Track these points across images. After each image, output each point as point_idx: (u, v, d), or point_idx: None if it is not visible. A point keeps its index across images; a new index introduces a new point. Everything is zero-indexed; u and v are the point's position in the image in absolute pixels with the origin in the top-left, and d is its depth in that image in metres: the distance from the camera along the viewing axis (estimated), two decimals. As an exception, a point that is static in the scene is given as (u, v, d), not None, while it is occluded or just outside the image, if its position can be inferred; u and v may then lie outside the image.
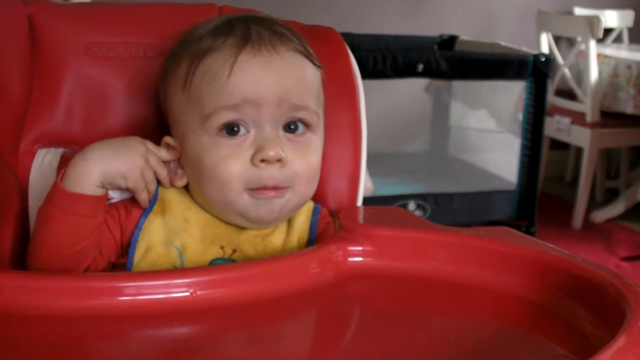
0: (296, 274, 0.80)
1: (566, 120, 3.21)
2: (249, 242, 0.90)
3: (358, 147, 1.04)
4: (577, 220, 3.20)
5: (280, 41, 0.87)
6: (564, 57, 3.25)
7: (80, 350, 0.69)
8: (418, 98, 2.98)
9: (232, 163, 0.85)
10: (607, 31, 3.68)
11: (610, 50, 3.27)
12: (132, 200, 0.90)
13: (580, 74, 3.18)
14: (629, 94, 3.01)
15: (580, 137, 3.15)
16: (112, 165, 0.84)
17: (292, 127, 0.88)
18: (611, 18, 3.73)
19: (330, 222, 0.95)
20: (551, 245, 0.82)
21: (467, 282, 0.82)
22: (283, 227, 0.92)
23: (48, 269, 0.83)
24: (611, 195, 3.55)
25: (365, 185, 1.06)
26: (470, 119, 3.02)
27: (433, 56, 2.54)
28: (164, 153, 0.90)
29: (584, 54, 3.06)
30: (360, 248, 0.85)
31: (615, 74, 3.07)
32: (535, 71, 2.60)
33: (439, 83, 2.91)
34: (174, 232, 0.89)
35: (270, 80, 0.85)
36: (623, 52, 3.23)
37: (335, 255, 0.83)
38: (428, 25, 3.50)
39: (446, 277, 0.83)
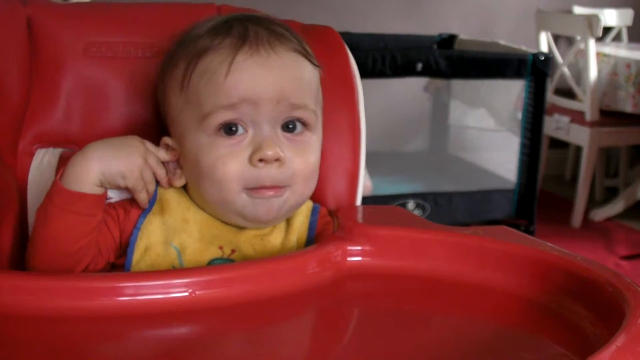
0: (295, 274, 0.80)
1: (565, 119, 3.21)
2: (248, 242, 0.90)
3: (357, 146, 1.04)
4: (577, 219, 3.20)
5: (278, 41, 0.87)
6: (563, 56, 3.25)
7: (79, 350, 0.69)
8: (417, 97, 2.98)
9: (230, 163, 0.85)
10: (606, 30, 3.68)
11: (610, 49, 3.27)
12: (131, 200, 0.90)
13: (579, 73, 3.18)
14: (628, 92, 3.01)
15: (580, 135, 3.15)
16: (112, 165, 0.84)
17: (290, 126, 0.88)
18: (610, 17, 3.73)
19: (329, 222, 0.95)
20: (550, 244, 0.82)
21: (467, 281, 0.82)
22: (282, 226, 0.92)
23: (47, 268, 0.84)
24: (610, 194, 3.55)
25: (364, 185, 1.06)
26: (469, 118, 3.02)
27: (432, 55, 2.54)
28: (162, 154, 0.90)
29: (583, 53, 3.06)
30: (359, 248, 0.85)
31: (614, 72, 3.07)
32: (534, 70, 2.60)
33: (438, 82, 2.91)
34: (173, 232, 0.89)
35: (268, 79, 0.85)
36: (622, 51, 3.23)
37: (334, 255, 0.83)
38: (427, 24, 3.51)
39: (445, 276, 0.83)
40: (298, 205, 0.92)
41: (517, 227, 2.41)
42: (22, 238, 0.90)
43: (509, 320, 0.76)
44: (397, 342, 0.71)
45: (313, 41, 0.97)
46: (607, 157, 3.69)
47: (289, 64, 0.88)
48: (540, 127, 2.67)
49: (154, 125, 0.99)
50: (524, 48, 2.77)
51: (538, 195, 2.74)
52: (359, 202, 1.04)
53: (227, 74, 0.85)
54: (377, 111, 2.36)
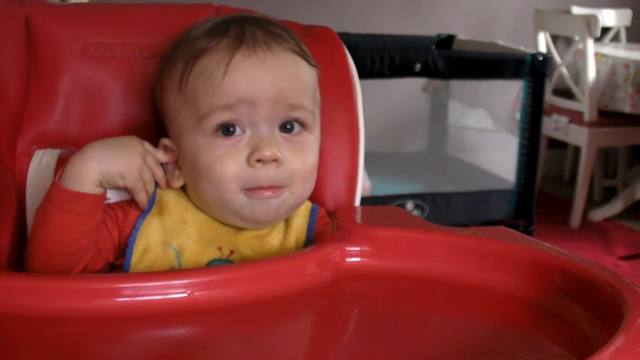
0: (294, 275, 0.80)
1: (564, 119, 3.21)
2: (247, 242, 0.90)
3: (356, 146, 1.04)
4: (575, 219, 3.20)
5: (275, 41, 0.87)
6: (561, 56, 3.25)
7: (78, 351, 0.69)
8: (416, 98, 2.98)
9: (228, 163, 0.85)
10: (605, 30, 3.68)
11: (608, 49, 3.28)
12: (130, 201, 0.90)
13: (577, 73, 3.18)
14: (627, 92, 3.01)
15: (578, 136, 3.15)
16: (111, 165, 0.84)
17: (288, 126, 0.88)
18: (609, 17, 3.73)
19: (328, 223, 0.95)
20: (549, 244, 0.82)
21: (465, 282, 0.82)
22: (281, 227, 0.92)
23: (46, 268, 0.84)
24: (609, 194, 3.55)
25: (363, 185, 1.06)
26: (468, 119, 3.02)
27: (430, 56, 2.54)
28: (161, 155, 0.90)
29: (582, 53, 3.06)
30: (358, 248, 0.85)
31: (612, 72, 3.07)
32: (532, 70, 2.60)
33: (437, 83, 2.91)
34: (172, 233, 0.89)
35: (265, 80, 0.85)
36: (620, 51, 3.23)
37: (333, 256, 0.83)
38: (425, 24, 3.51)
39: (444, 277, 0.83)
40: (297, 205, 0.92)
41: (515, 227, 2.41)
42: (21, 239, 0.90)
43: (508, 321, 0.76)
44: (396, 342, 0.71)
45: (311, 42, 0.97)
46: (606, 158, 3.69)
47: (286, 65, 0.88)
48: (539, 128, 2.67)
49: (152, 126, 0.99)
50: (522, 48, 2.78)
51: (537, 196, 2.74)
52: (357, 202, 1.04)
53: (224, 74, 0.85)
54: (376, 112, 2.36)
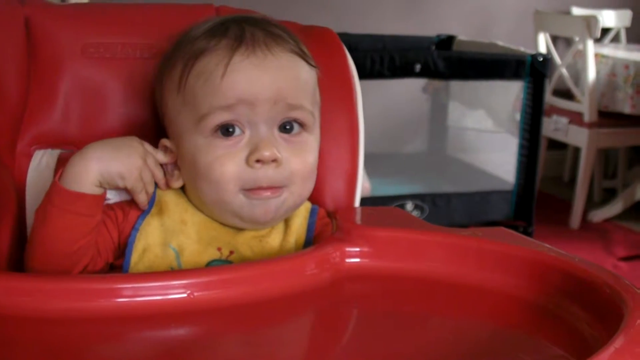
0: (293, 275, 0.80)
1: (564, 120, 3.21)
2: (246, 243, 0.90)
3: (355, 147, 1.04)
4: (575, 220, 3.20)
5: (274, 42, 0.88)
6: (561, 57, 3.25)
7: (77, 351, 0.69)
8: (415, 98, 2.98)
9: (227, 163, 0.85)
10: (605, 31, 3.68)
11: (608, 50, 3.28)
12: (129, 202, 0.90)
13: (577, 74, 3.18)
14: (627, 93, 3.01)
15: (578, 136, 3.15)
16: (111, 165, 0.84)
17: (287, 127, 0.88)
18: (609, 18, 3.73)
19: (328, 223, 0.95)
20: (549, 245, 0.82)
21: (465, 282, 0.82)
22: (280, 228, 0.92)
23: (45, 269, 0.84)
24: (609, 195, 3.55)
25: (362, 186, 1.06)
26: (467, 119, 3.02)
27: (430, 56, 2.54)
28: (161, 156, 0.90)
29: (582, 54, 3.06)
30: (357, 249, 0.85)
31: (612, 73, 3.07)
32: (532, 71, 2.60)
33: (437, 83, 2.91)
34: (171, 233, 0.89)
35: (264, 80, 0.85)
36: (620, 52, 3.23)
37: (332, 257, 0.83)
38: (425, 25, 3.51)
39: (444, 278, 0.83)
40: (296, 206, 0.92)
41: (515, 228, 2.41)
42: (21, 239, 0.90)
43: (507, 322, 0.76)
44: (395, 343, 0.71)
45: (311, 42, 0.97)
46: (606, 158, 3.69)
47: (285, 65, 0.88)
48: (539, 128, 2.67)
49: (152, 126, 0.99)
50: (522, 49, 2.78)
51: (536, 197, 2.74)
52: (357, 203, 1.05)
53: (223, 75, 0.85)
54: (376, 112, 2.36)
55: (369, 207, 1.01)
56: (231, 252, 0.89)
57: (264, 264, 0.81)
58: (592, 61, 3.03)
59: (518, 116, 2.69)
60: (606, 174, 3.77)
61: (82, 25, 1.03)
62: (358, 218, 0.95)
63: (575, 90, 3.15)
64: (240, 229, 0.90)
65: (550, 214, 3.29)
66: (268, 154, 0.85)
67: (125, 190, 0.88)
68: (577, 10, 3.69)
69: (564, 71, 3.17)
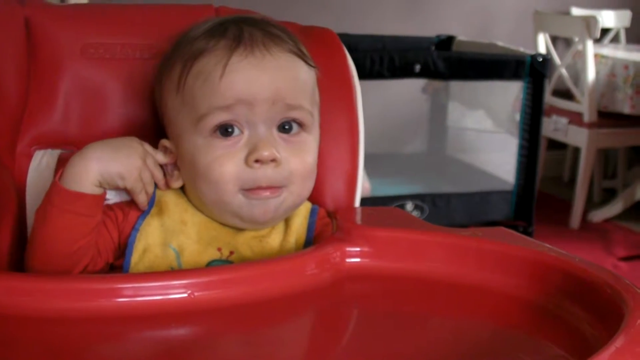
0: (294, 275, 0.80)
1: (563, 121, 3.21)
2: (246, 243, 0.90)
3: (355, 147, 1.04)
4: (575, 220, 3.20)
5: (273, 42, 0.88)
6: (561, 57, 3.25)
7: (78, 351, 0.69)
8: (415, 99, 2.98)
9: (226, 164, 0.85)
10: (604, 31, 3.68)
11: (608, 50, 3.28)
12: (129, 202, 0.90)
13: (577, 74, 3.18)
14: (626, 94, 3.01)
15: (578, 137, 3.15)
16: (110, 165, 0.84)
17: (286, 127, 0.88)
18: (608, 18, 3.73)
19: (328, 223, 0.95)
20: (549, 245, 0.82)
21: (465, 282, 0.82)
22: (280, 228, 0.92)
23: (46, 269, 0.84)
24: (609, 195, 3.56)
25: (362, 186, 1.06)
26: (467, 120, 3.02)
27: (430, 57, 2.54)
28: (160, 156, 0.90)
29: (581, 54, 3.06)
30: (358, 249, 0.85)
31: (612, 74, 3.07)
32: (532, 71, 2.60)
33: (437, 83, 2.91)
34: (171, 233, 0.89)
35: (263, 80, 0.85)
36: (620, 52, 3.23)
37: (332, 257, 0.83)
38: (425, 25, 3.51)
39: (444, 278, 0.83)
40: (295, 205, 0.92)
41: (515, 228, 2.41)
42: (21, 239, 0.90)
43: (508, 322, 0.76)
44: (395, 343, 0.71)
45: (311, 42, 0.97)
46: (605, 159, 3.69)
47: (284, 65, 0.88)
48: (539, 129, 2.67)
49: (152, 127, 0.99)
50: (522, 49, 2.78)
51: (536, 197, 2.74)
52: (357, 203, 1.04)
53: (222, 75, 0.85)
54: (375, 112, 2.36)
55: (369, 207, 1.01)
56: (231, 252, 0.89)
57: (264, 264, 0.81)
58: (592, 61, 3.04)
59: (518, 116, 2.69)
60: (606, 174, 3.77)
61: (82, 25, 1.03)
62: (358, 218, 0.95)
63: (574, 91, 3.15)
64: (240, 229, 0.90)
65: (550, 214, 3.29)
66: (267, 154, 0.85)
67: (125, 190, 0.88)
68: (576, 11, 3.69)
69: (564, 71, 3.17)
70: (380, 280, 0.84)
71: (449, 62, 2.56)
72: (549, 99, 3.17)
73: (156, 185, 0.91)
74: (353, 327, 0.79)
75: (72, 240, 0.83)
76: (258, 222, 0.89)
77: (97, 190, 0.84)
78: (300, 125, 0.89)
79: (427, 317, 0.79)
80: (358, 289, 0.83)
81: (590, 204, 3.38)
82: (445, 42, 3.13)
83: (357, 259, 0.85)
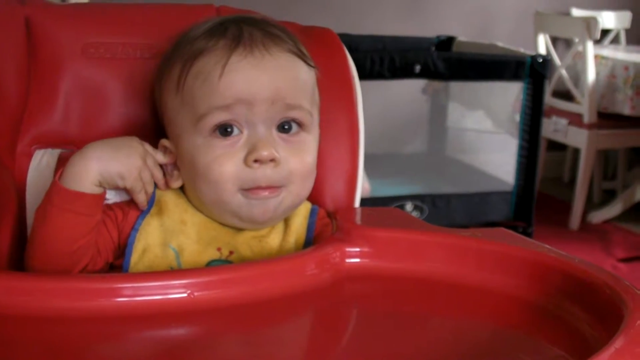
0: (293, 276, 0.80)
1: (563, 121, 3.21)
2: (246, 243, 0.90)
3: (355, 148, 1.04)
4: (575, 221, 3.21)
5: (272, 42, 0.88)
6: (561, 58, 3.25)
7: (78, 351, 0.69)
8: (415, 99, 2.98)
9: (225, 163, 0.85)
10: (605, 32, 3.68)
11: (608, 51, 3.28)
12: (129, 202, 0.90)
13: (577, 75, 3.18)
14: (626, 95, 3.01)
15: (578, 138, 3.15)
16: (110, 165, 0.84)
17: (285, 127, 0.88)
18: (608, 19, 3.73)
19: (328, 224, 0.95)
20: (548, 246, 0.82)
21: (465, 283, 0.82)
22: (280, 228, 0.92)
23: (46, 268, 0.84)
24: (608, 196, 3.55)
25: (362, 186, 1.06)
26: (467, 120, 3.02)
27: (430, 57, 2.54)
28: (160, 156, 0.90)
29: (581, 55, 3.06)
30: (357, 249, 0.85)
31: (612, 75, 3.07)
32: (532, 72, 2.60)
33: (437, 84, 2.91)
34: (171, 233, 0.89)
35: (262, 80, 0.85)
36: (620, 53, 3.23)
37: (332, 257, 0.83)
38: (425, 26, 3.51)
39: (444, 278, 0.83)
40: (295, 205, 0.92)
41: (515, 229, 2.40)
42: (21, 238, 0.90)
43: (507, 322, 0.76)
44: (395, 343, 0.71)
45: (312, 42, 0.97)
46: (605, 160, 3.69)
47: (283, 65, 0.88)
48: (538, 129, 2.67)
49: (152, 127, 0.99)
50: (522, 50, 2.78)
51: (536, 198, 2.74)
52: (357, 203, 1.05)
53: (221, 75, 0.85)
54: (375, 113, 2.35)
55: (369, 207, 1.01)
56: (231, 252, 0.89)
57: (263, 264, 0.81)
58: (592, 62, 3.04)
59: (518, 117, 2.69)
60: (606, 175, 3.77)
61: (83, 25, 1.03)
62: (358, 218, 0.95)
63: (574, 92, 3.15)
64: (239, 229, 0.90)
65: (550, 214, 3.29)
66: (266, 154, 0.85)
67: (125, 190, 0.88)
68: (576, 12, 3.69)
69: (564, 72, 3.18)
70: (380, 280, 0.84)
71: (449, 62, 2.56)
72: (549, 99, 3.17)
73: (156, 185, 0.91)
74: (353, 328, 0.79)
75: (72, 240, 0.83)
76: (257, 221, 0.89)
77: (97, 190, 0.84)
78: (300, 125, 0.89)
79: (427, 318, 0.79)
80: (358, 289, 0.83)
81: (590, 205, 3.38)
82: (446, 43, 3.13)
83: (357, 259, 0.85)
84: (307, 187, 0.91)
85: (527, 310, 0.76)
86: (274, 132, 0.87)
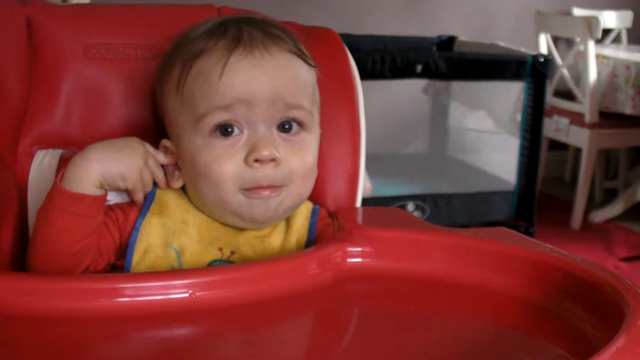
0: (295, 275, 0.80)
1: (565, 121, 3.21)
2: (248, 243, 0.90)
3: (357, 148, 1.04)
4: (576, 220, 3.20)
5: (272, 42, 0.88)
6: (562, 58, 3.25)
7: (79, 351, 0.69)
8: (417, 99, 2.98)
9: (225, 163, 0.85)
10: (606, 32, 3.68)
11: (609, 50, 3.28)
12: (129, 203, 0.90)
13: (578, 75, 3.18)
14: (628, 94, 3.01)
15: (579, 137, 3.15)
16: (112, 166, 0.84)
17: (286, 126, 0.88)
18: (610, 19, 3.73)
19: (329, 223, 0.95)
20: (550, 245, 0.82)
21: (466, 283, 0.82)
22: (281, 228, 0.92)
23: (47, 269, 0.84)
24: (610, 195, 3.55)
25: (364, 186, 1.06)
26: (469, 120, 3.02)
27: (432, 57, 2.54)
28: (161, 157, 0.90)
29: (583, 55, 3.06)
30: (359, 249, 0.85)
31: (613, 74, 3.07)
32: (533, 72, 2.60)
33: (438, 84, 2.91)
34: (172, 233, 0.89)
35: (262, 79, 0.86)
36: (622, 53, 3.23)
37: (334, 257, 0.83)
38: (426, 26, 3.51)
39: (445, 278, 0.83)
40: (295, 205, 0.92)
41: (516, 228, 2.40)
42: (23, 239, 0.90)
43: (509, 322, 0.76)
44: (397, 343, 0.71)
45: (313, 42, 0.97)
46: (607, 159, 3.69)
47: (283, 65, 0.88)
48: (540, 129, 2.67)
49: (153, 127, 0.99)
50: (523, 50, 2.78)
51: (537, 197, 2.74)
52: (358, 203, 1.04)
53: (221, 75, 0.85)
54: (377, 113, 2.36)
55: (370, 207, 1.01)
56: (232, 252, 0.89)
57: (265, 264, 0.81)
58: (593, 62, 3.03)
59: (519, 117, 2.69)
60: (607, 174, 3.77)
61: (84, 25, 1.03)
62: (359, 218, 0.95)
63: (576, 91, 3.15)
64: (241, 229, 0.90)
65: (552, 214, 3.29)
66: (266, 154, 0.85)
67: (126, 191, 0.88)
68: (578, 11, 3.69)
69: (565, 72, 3.17)
70: (382, 280, 0.84)
71: (450, 62, 2.56)
72: (550, 99, 3.17)
73: (156, 184, 0.91)
74: (354, 327, 0.79)
75: (73, 241, 0.83)
76: (258, 221, 0.89)
77: (98, 191, 0.84)
78: (300, 124, 0.89)
79: (428, 317, 0.79)
80: (359, 289, 0.83)
81: (592, 205, 3.38)
82: (447, 43, 3.13)
83: (359, 259, 0.85)
84: (307, 187, 0.91)
85: (529, 309, 0.76)
86: (274, 131, 0.87)
